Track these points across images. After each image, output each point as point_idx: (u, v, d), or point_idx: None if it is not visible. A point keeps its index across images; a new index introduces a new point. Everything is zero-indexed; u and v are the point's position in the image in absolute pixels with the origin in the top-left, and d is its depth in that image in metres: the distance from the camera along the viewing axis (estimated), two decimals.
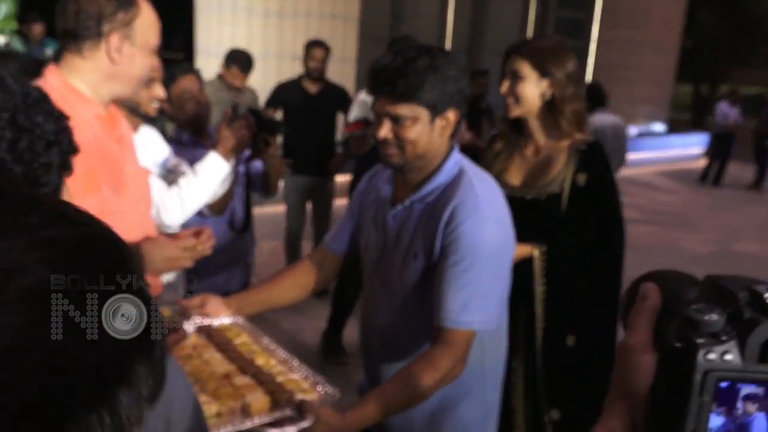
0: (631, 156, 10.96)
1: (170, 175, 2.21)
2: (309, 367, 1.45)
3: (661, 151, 12.32)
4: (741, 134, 10.86)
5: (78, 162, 1.43)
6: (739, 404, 0.47)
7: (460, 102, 1.46)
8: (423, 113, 1.41)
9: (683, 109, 19.48)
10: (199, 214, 2.23)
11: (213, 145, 2.15)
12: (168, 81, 2.22)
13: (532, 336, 2.04)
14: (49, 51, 6.32)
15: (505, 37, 11.12)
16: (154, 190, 1.99)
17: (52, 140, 0.91)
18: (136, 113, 2.13)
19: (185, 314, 1.56)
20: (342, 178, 4.92)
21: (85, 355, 0.36)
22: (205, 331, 1.55)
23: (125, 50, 1.48)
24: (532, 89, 1.97)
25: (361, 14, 8.20)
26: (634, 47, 12.04)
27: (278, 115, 4.53)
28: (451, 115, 1.45)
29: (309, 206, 4.75)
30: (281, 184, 4.55)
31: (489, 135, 5.88)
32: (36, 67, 1.75)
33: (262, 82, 5.73)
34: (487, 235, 1.40)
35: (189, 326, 1.39)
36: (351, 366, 3.56)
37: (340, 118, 4.70)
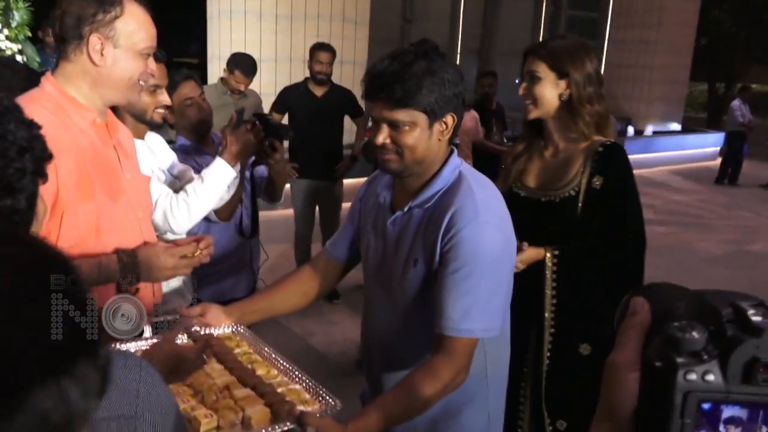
0: (646, 156, 10.96)
1: (177, 182, 2.21)
2: (315, 374, 1.44)
3: (676, 150, 12.21)
4: (755, 132, 10.74)
5: (72, 169, 1.44)
6: (722, 428, 0.45)
7: (459, 106, 1.44)
8: (421, 118, 1.39)
9: (699, 108, 19.27)
10: (207, 219, 2.22)
11: (216, 152, 2.14)
12: (168, 89, 2.22)
13: (540, 342, 2.01)
14: None
15: (517, 38, 11.07)
16: (161, 197, 1.99)
17: (25, 146, 0.91)
18: (142, 120, 2.14)
19: (187, 327, 1.56)
20: (351, 182, 4.91)
21: (33, 348, 0.45)
22: (205, 341, 1.54)
23: (107, 52, 1.47)
24: (550, 90, 1.94)
25: (371, 17, 8.20)
26: (648, 46, 11.93)
27: (285, 120, 4.52)
28: (449, 119, 1.43)
29: (318, 209, 4.75)
30: (287, 188, 4.56)
31: (498, 135, 5.87)
32: (33, 76, 1.76)
33: (272, 86, 5.74)
34: (487, 240, 1.38)
35: (207, 355, 1.37)
36: (356, 375, 3.55)
37: (346, 121, 4.69)
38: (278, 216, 5.39)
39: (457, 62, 10.44)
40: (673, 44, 11.99)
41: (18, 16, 4.54)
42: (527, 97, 1.98)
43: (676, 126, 13.00)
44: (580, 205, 1.92)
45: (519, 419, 2.07)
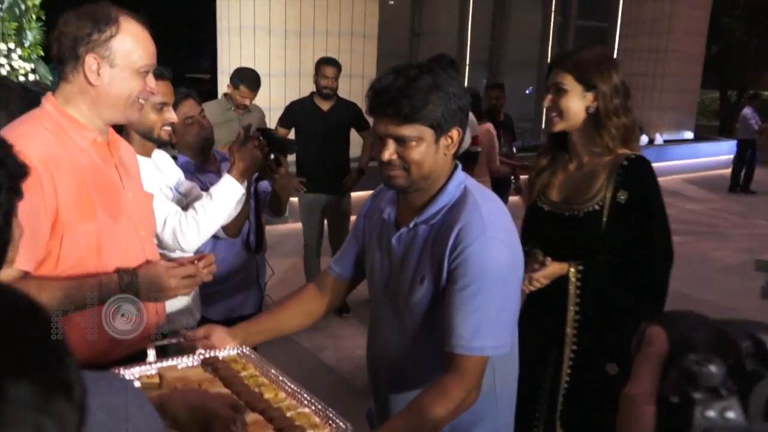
0: (659, 165, 10.86)
1: (184, 199, 2.20)
2: (326, 391, 1.41)
3: (689, 159, 12.12)
4: (765, 138, 10.63)
5: (72, 189, 1.43)
6: None
7: (463, 120, 1.43)
8: (428, 133, 1.38)
9: (711, 116, 19.13)
10: (214, 236, 2.21)
11: (219, 169, 2.13)
12: None
13: (560, 359, 1.97)
14: None
15: (526, 49, 11.06)
16: (170, 215, 1.97)
17: None
18: (149, 138, 2.13)
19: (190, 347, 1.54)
20: (359, 195, 4.90)
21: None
22: (210, 365, 1.52)
23: (104, 72, 1.47)
24: (577, 103, 1.91)
25: (379, 30, 8.22)
26: (658, 55, 11.88)
27: (291, 134, 4.52)
28: (455, 133, 1.42)
29: (326, 223, 4.73)
30: (295, 202, 4.53)
31: (507, 147, 5.83)
32: (29, 94, 1.76)
33: (282, 100, 5.76)
34: (494, 256, 1.36)
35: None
36: (366, 396, 3.50)
37: (353, 135, 4.69)
38: (287, 230, 5.39)
39: (466, 74, 10.45)
40: (683, 52, 11.93)
41: (31, 35, 4.58)
42: (553, 109, 1.94)
43: (688, 134, 12.92)
44: (604, 219, 1.88)
45: None
